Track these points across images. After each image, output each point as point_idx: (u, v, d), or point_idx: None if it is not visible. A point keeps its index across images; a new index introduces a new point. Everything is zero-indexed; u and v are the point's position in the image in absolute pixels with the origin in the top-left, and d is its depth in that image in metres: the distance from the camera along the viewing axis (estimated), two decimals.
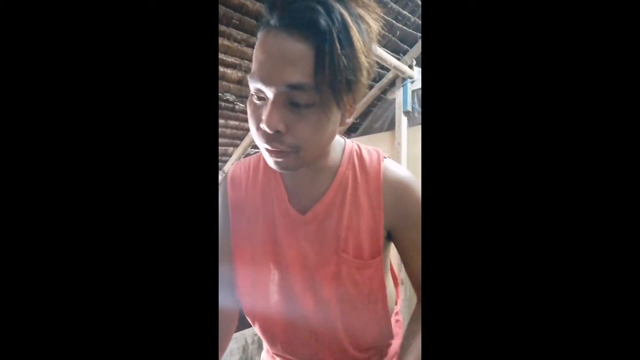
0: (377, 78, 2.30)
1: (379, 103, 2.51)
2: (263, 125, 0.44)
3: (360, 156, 0.59)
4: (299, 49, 0.43)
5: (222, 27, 1.67)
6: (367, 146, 0.62)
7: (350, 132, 2.65)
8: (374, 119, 2.57)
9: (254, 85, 0.45)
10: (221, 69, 1.87)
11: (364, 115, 2.56)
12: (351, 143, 0.61)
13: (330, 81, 0.44)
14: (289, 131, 0.45)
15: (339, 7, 0.44)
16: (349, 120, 0.53)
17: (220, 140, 2.32)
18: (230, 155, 2.51)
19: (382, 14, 0.49)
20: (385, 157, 0.60)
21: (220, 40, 1.72)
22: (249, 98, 0.48)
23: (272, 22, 0.44)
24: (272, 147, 0.46)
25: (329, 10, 0.43)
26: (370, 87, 2.33)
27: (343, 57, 0.43)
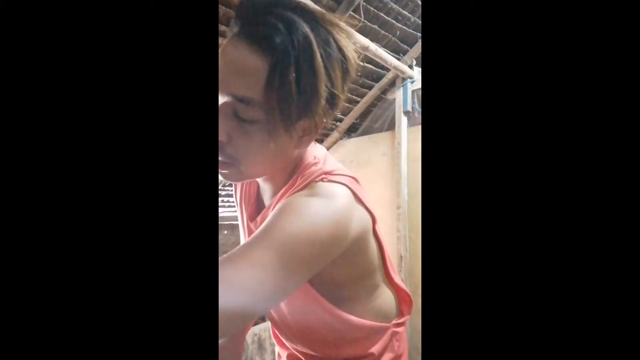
0: (377, 78, 2.30)
1: (379, 103, 2.51)
2: None
3: (300, 174, 0.52)
4: (253, 63, 0.41)
5: (222, 27, 1.67)
6: (323, 165, 0.53)
7: (350, 132, 2.65)
8: (374, 119, 2.57)
9: None
10: None
11: (364, 115, 2.56)
12: (310, 156, 0.54)
13: (279, 103, 0.42)
14: (230, 142, 0.44)
15: (305, 31, 0.41)
16: (309, 144, 0.50)
17: None
18: None
19: (362, 51, 0.49)
20: (319, 180, 0.49)
21: (220, 40, 1.72)
22: None
23: (235, 30, 0.43)
24: (217, 155, 0.45)
25: (292, 31, 0.40)
26: (370, 87, 2.33)
27: (294, 82, 0.41)
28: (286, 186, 0.52)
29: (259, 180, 0.58)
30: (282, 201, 0.47)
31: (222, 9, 1.60)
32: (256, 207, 0.62)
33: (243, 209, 0.64)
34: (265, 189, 0.58)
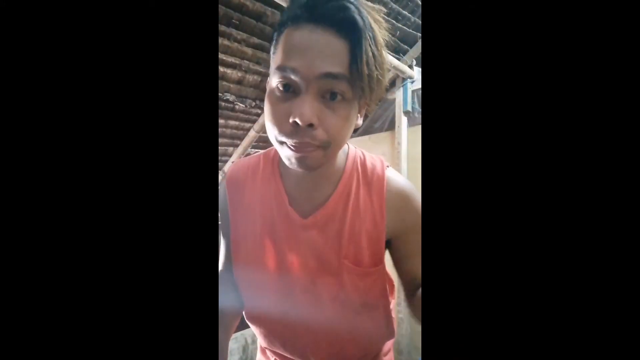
0: None
1: (379, 103, 2.51)
2: (295, 118, 0.43)
3: (364, 163, 0.59)
4: (335, 43, 0.44)
5: (222, 27, 1.67)
6: (371, 154, 0.62)
7: None
8: (374, 119, 2.57)
9: (283, 75, 0.45)
10: (221, 69, 1.87)
11: (364, 115, 2.56)
12: (354, 149, 0.61)
13: (367, 75, 0.45)
14: (320, 125, 0.45)
15: (367, 15, 0.46)
16: (359, 122, 0.53)
17: (220, 140, 2.33)
18: (230, 155, 2.51)
19: (387, 30, 0.53)
20: (387, 166, 0.60)
21: (220, 40, 1.72)
22: (269, 93, 0.48)
23: (304, 18, 0.45)
24: (303, 141, 0.45)
25: (361, 11, 0.45)
26: None
27: (376, 55, 0.46)
28: (356, 177, 0.58)
29: (296, 174, 0.57)
30: (393, 196, 0.57)
31: (222, 9, 1.60)
32: (284, 208, 0.58)
33: (255, 213, 0.60)
34: (309, 179, 0.56)
